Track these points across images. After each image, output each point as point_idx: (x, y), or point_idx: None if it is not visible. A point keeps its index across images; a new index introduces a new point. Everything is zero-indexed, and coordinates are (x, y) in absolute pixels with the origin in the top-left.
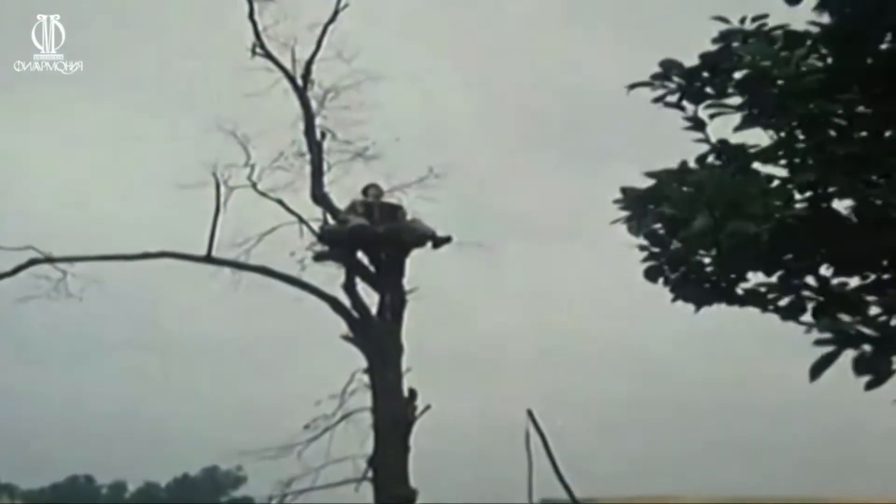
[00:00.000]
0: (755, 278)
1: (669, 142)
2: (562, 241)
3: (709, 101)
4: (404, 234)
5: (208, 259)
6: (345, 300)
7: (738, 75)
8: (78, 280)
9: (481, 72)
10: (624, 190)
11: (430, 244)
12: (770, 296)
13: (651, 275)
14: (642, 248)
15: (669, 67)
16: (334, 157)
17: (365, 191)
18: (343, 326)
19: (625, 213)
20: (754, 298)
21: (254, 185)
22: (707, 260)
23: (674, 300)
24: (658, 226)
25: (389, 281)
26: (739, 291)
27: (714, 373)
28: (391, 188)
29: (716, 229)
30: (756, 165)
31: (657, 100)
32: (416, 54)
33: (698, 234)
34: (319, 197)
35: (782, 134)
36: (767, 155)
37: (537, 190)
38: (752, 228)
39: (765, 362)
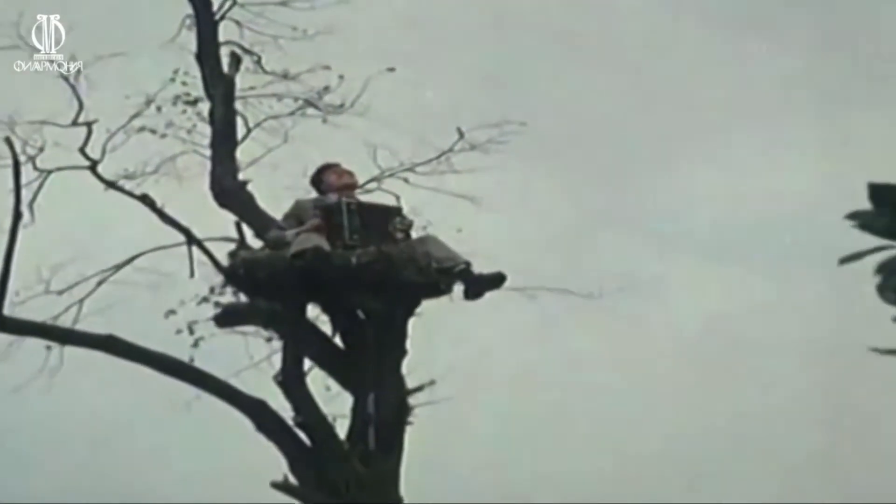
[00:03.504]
0: None
1: None
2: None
3: None
4: (406, 270)
5: None
6: (282, 407)
7: None
8: None
9: None
10: (876, 189)
11: (459, 288)
12: None
13: None
14: None
15: None
16: (260, 108)
17: (316, 179)
18: (278, 462)
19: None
20: None
21: (93, 166)
22: None
23: None
24: None
25: (376, 367)
26: None
27: None
28: (380, 174)
29: None
30: None
31: None
32: None
33: None
34: (229, 191)
35: None
36: None
37: (671, 180)
38: None
39: None
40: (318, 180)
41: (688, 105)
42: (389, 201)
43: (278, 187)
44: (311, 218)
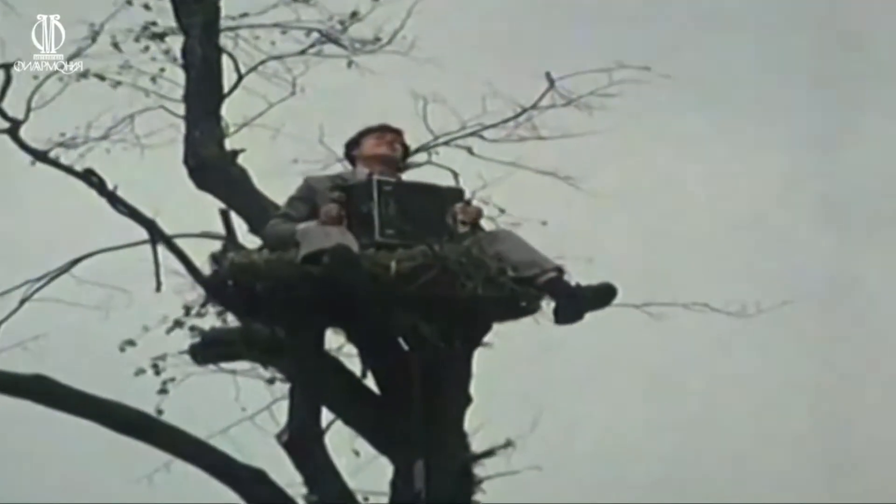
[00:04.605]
0: None
1: None
2: None
3: None
4: (470, 280)
5: None
6: (290, 481)
7: None
8: None
9: None
10: None
11: (548, 306)
12: None
13: None
14: None
15: None
16: (258, 45)
17: (352, 145)
18: None
19: None
20: None
21: (14, 129)
22: None
23: None
24: None
25: (427, 422)
26: None
27: None
28: (432, 140)
29: None
30: None
31: None
32: None
33: None
34: (213, 165)
35: None
36: None
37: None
38: None
39: None
40: (353, 147)
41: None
42: (445, 180)
43: (283, 159)
44: (328, 203)
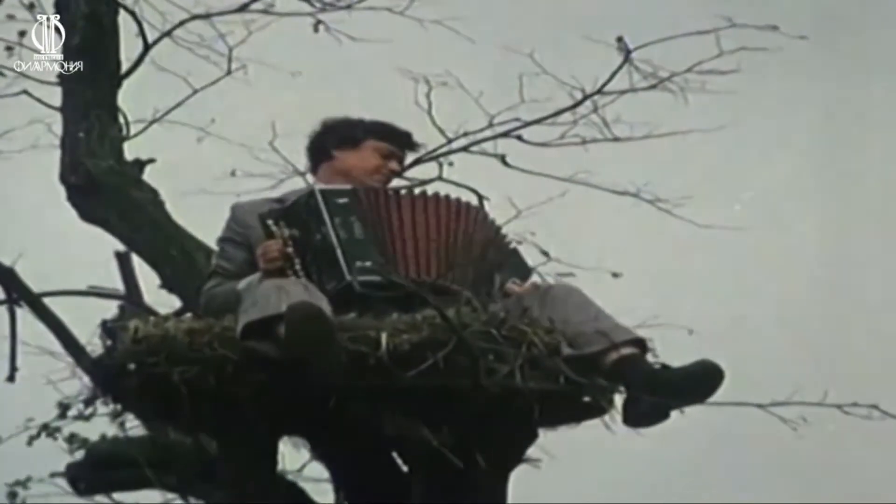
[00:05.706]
0: None
1: None
2: None
3: None
4: (503, 362)
5: None
6: None
7: None
8: None
9: None
10: None
11: (627, 405)
12: None
13: None
14: None
15: None
16: None
17: (346, 139)
18: None
19: None
20: None
21: None
22: None
23: None
24: None
25: None
26: None
27: None
28: (444, 146)
29: None
30: None
31: None
32: None
33: None
34: (103, 185)
35: None
36: None
37: None
38: None
39: None
40: (345, 140)
41: None
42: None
43: (215, 172)
44: (267, 238)
